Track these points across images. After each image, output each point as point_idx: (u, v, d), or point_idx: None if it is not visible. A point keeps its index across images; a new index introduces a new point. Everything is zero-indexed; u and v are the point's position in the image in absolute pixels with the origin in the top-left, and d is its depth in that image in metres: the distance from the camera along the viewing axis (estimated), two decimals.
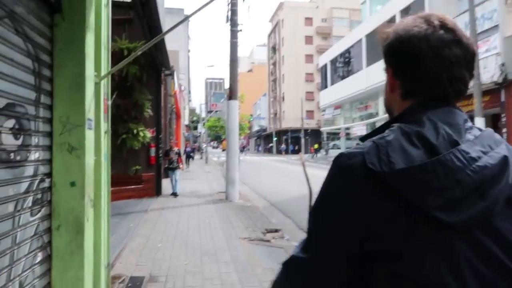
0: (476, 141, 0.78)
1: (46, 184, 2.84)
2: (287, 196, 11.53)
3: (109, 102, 3.82)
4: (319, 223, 0.81)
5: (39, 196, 2.73)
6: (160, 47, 10.33)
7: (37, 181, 2.69)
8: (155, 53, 10.64)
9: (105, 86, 3.67)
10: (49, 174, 2.89)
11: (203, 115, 51.05)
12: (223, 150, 65.11)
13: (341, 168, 0.79)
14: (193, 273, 4.55)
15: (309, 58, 60.36)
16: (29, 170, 2.58)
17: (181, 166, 11.47)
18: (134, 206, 9.21)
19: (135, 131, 10.71)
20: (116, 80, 10.57)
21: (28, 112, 2.56)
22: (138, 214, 8.14)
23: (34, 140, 2.66)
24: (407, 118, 0.84)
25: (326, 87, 43.10)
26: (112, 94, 11.18)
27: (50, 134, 2.92)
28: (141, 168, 10.99)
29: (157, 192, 11.19)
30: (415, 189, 0.72)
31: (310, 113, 58.99)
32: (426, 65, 0.83)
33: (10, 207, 2.33)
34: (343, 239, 0.77)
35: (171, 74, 14.87)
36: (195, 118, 66.97)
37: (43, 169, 2.80)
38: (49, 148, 2.91)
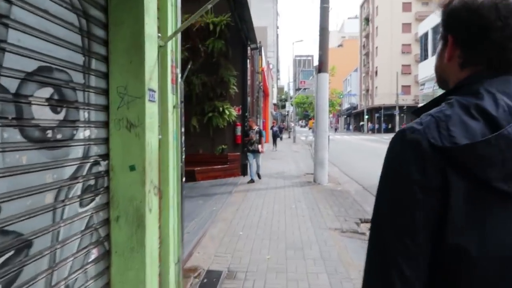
0: None
1: (101, 167, 2.38)
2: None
3: (179, 71, 3.25)
4: (392, 193, 0.81)
5: (91, 182, 2.27)
6: (246, 19, 9.75)
7: (88, 165, 2.23)
8: (241, 26, 10.10)
9: (173, 51, 3.10)
10: (106, 156, 2.43)
11: (291, 93, 50.23)
12: (310, 128, 64.11)
13: (406, 142, 0.79)
14: (276, 270, 3.93)
15: (406, 27, 55.22)
16: (76, 151, 2.12)
17: (261, 149, 9.75)
18: (219, 187, 8.96)
19: (221, 109, 10.43)
20: (202, 57, 10.34)
21: (73, 80, 2.07)
22: (222, 196, 7.81)
23: (83, 115, 2.18)
24: (464, 90, 0.83)
25: (426, 58, 39.05)
26: (193, 70, 10.88)
27: (106, 108, 2.44)
28: (227, 148, 10.73)
29: (243, 172, 10.86)
30: (479, 163, 0.73)
31: (406, 88, 54.46)
32: (494, 35, 0.81)
33: (49, 198, 1.88)
34: (418, 206, 0.76)
35: (258, 49, 14.31)
36: (283, 97, 66.57)
37: (97, 149, 2.33)
38: (106, 124, 2.44)
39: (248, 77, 16.27)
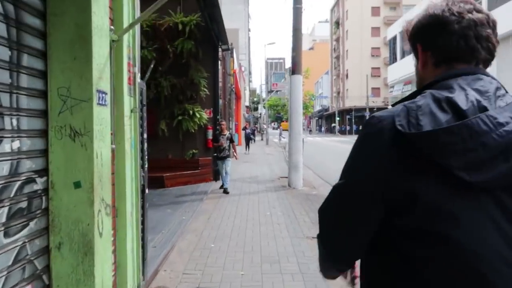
0: (507, 108, 0.81)
1: (37, 186, 1.98)
2: None
3: (137, 70, 2.86)
4: (350, 174, 0.90)
5: (23, 204, 1.86)
6: (217, 19, 9.38)
7: (18, 183, 1.82)
8: (211, 26, 9.72)
9: (131, 47, 2.72)
10: (44, 171, 2.02)
11: (264, 95, 50.12)
12: (284, 130, 64.42)
13: (372, 129, 0.85)
14: None
15: (375, 31, 56.38)
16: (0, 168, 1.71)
17: (234, 154, 9.15)
18: (189, 194, 8.53)
19: (191, 112, 9.99)
20: (171, 58, 9.88)
21: None
22: (193, 204, 7.40)
23: (10, 122, 1.77)
24: (438, 85, 0.88)
25: (395, 61, 39.82)
26: (161, 71, 10.33)
27: (44, 114, 2.03)
28: (198, 152, 10.30)
29: (215, 177, 10.45)
30: (440, 150, 0.77)
31: (376, 91, 55.57)
32: (452, 27, 0.89)
33: None
34: (370, 194, 0.84)
35: (229, 50, 13.96)
36: (255, 99, 66.43)
37: (30, 164, 1.92)
38: (43, 133, 2.02)
39: (220, 79, 15.89)
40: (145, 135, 3.60)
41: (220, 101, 16.83)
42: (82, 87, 2.04)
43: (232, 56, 18.43)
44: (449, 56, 0.91)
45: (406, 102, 0.85)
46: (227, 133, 8.85)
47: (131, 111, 2.67)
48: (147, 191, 3.60)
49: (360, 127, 1.06)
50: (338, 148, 25.67)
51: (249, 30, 61.18)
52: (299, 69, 9.34)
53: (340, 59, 63.37)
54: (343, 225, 0.90)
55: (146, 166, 3.65)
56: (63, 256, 2.04)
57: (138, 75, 2.92)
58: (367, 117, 0.89)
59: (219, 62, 12.26)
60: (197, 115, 10.03)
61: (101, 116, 2.15)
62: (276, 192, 8.74)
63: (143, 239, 3.40)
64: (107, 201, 2.22)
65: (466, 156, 0.76)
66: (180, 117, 10.00)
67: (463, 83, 0.85)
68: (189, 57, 10.01)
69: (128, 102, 2.62)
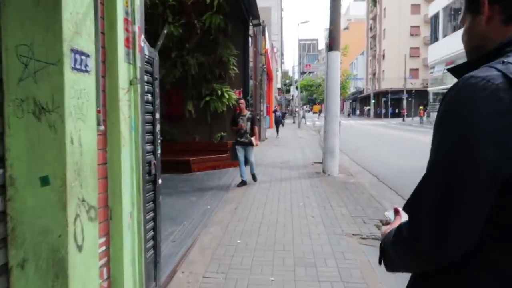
0: None
1: None
2: (395, 170, 9.34)
3: (137, 30, 2.24)
4: (465, 150, 0.73)
5: None
6: None
7: None
8: None
9: None
10: (0, 162, 1.46)
11: (296, 77, 48.86)
12: (314, 113, 62.58)
13: (485, 91, 0.71)
14: None
15: (415, 8, 53.28)
16: None
17: (255, 141, 7.47)
18: (217, 179, 8.01)
19: (219, 92, 9.40)
20: (199, 34, 9.27)
21: None
22: (219, 192, 6.86)
23: None
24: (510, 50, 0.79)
25: (436, 40, 37.49)
26: (188, 49, 9.67)
27: None
28: (226, 135, 9.73)
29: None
30: None
31: (414, 72, 52.91)
32: None
33: None
34: (497, 162, 0.72)
35: (261, 26, 13.14)
36: (287, 81, 65.15)
37: None
38: None
39: (251, 58, 15.18)
40: (157, 115, 3.02)
41: (251, 82, 16.18)
42: (49, 44, 1.45)
43: (264, 35, 17.60)
44: None
45: (493, 63, 0.76)
46: (247, 113, 7.56)
47: (130, 82, 2.07)
48: (159, 181, 3.04)
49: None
50: (374, 133, 24.47)
51: (281, 9, 59.55)
52: (336, 45, 8.47)
53: (376, 39, 60.65)
54: (464, 205, 0.74)
55: (159, 152, 3.08)
56: (28, 278, 1.50)
57: (142, 38, 2.29)
58: (462, 79, 0.74)
59: (250, 39, 11.54)
60: (226, 95, 9.44)
61: (79, 86, 1.55)
62: (309, 179, 8.06)
63: (155, 238, 2.86)
64: (91, 202, 1.65)
65: None
66: (208, 98, 9.45)
67: None
68: (218, 33, 9.36)
69: (126, 71, 2.02)
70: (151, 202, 2.87)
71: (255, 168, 7.86)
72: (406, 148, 14.57)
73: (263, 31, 17.39)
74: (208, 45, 9.45)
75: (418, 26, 53.59)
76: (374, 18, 62.53)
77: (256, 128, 7.65)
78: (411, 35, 53.94)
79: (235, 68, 9.56)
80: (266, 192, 6.83)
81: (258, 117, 16.70)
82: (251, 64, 15.88)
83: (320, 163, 10.28)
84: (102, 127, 1.75)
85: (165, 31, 3.13)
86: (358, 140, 18.64)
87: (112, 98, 1.88)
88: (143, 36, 2.26)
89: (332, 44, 8.46)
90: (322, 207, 5.78)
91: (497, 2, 0.83)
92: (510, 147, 0.71)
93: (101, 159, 1.81)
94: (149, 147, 2.79)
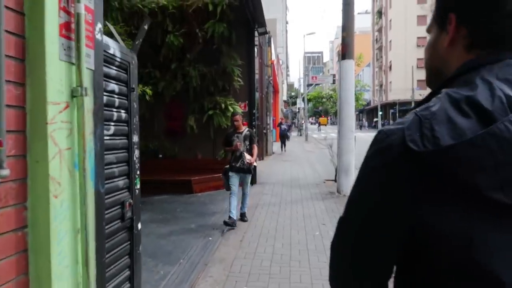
0: None
1: None
2: None
3: (83, 11, 1.50)
4: (359, 197, 0.72)
5: None
6: None
7: None
8: (247, 5, 8.35)
9: None
10: None
11: (302, 90, 48.27)
12: (319, 125, 61.42)
13: (379, 145, 0.69)
14: None
15: (421, 19, 52.76)
16: None
17: (252, 159, 5.83)
18: (220, 202, 7.23)
19: (223, 105, 8.70)
20: (200, 43, 8.62)
21: None
22: (223, 217, 6.09)
23: None
24: (459, 81, 0.71)
25: None
26: (190, 59, 9.21)
27: None
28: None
29: (252, 179, 9.11)
30: (465, 168, 0.60)
31: (422, 83, 52.03)
32: (508, 7, 0.69)
33: None
34: (383, 219, 0.68)
35: (267, 34, 12.49)
36: (293, 94, 64.65)
37: None
38: None
39: (256, 70, 14.54)
40: (135, 138, 2.29)
41: (257, 94, 15.52)
42: None
43: (269, 45, 16.99)
44: (488, 42, 0.71)
45: (418, 109, 0.68)
46: (244, 130, 5.92)
47: (72, 93, 1.33)
48: (139, 226, 2.29)
49: None
50: None
51: (286, 22, 59.45)
52: (350, 53, 7.76)
53: (382, 50, 60.19)
54: (360, 263, 0.72)
55: (138, 187, 2.34)
56: None
57: (99, 29, 1.55)
58: (377, 131, 0.71)
59: (255, 48, 10.89)
60: (230, 108, 8.72)
61: None
62: (323, 201, 7.25)
63: None
64: None
65: (499, 173, 0.59)
66: (211, 112, 8.73)
67: (488, 75, 0.67)
68: (221, 42, 8.70)
69: (64, 75, 1.29)
70: (127, 256, 2.11)
71: (247, 205, 6.03)
72: None
73: (269, 41, 16.79)
74: (211, 56, 8.79)
75: (425, 37, 52.93)
76: (379, 30, 62.17)
77: (256, 148, 5.99)
78: (418, 46, 53.33)
79: (239, 79, 8.87)
80: (276, 218, 6.04)
81: (264, 131, 15.99)
82: (256, 76, 15.24)
83: (332, 180, 9.48)
84: (6, 172, 1.01)
85: (145, 27, 2.43)
86: None
87: (35, 119, 1.15)
88: (100, 26, 1.53)
89: (345, 51, 7.74)
90: None
91: (466, 24, 0.72)
92: (397, 201, 0.66)
93: (12, 223, 1.07)
94: (121, 182, 2.05)
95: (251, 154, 5.86)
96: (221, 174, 6.09)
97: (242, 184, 5.91)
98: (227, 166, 5.86)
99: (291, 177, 10.38)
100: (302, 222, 5.78)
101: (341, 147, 7.83)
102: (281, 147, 18.70)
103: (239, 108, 8.95)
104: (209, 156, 9.01)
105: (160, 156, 8.86)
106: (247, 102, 9.24)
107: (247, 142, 5.86)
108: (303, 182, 9.55)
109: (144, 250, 4.41)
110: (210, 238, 4.95)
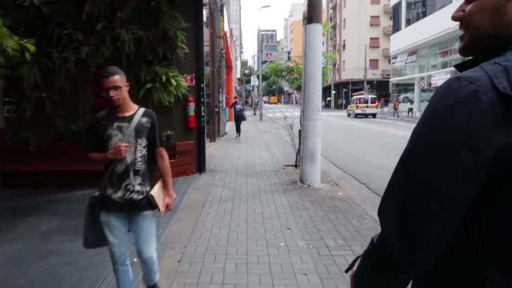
0: None
1: None
2: (386, 174, 7.57)
3: None
4: (439, 151, 0.71)
5: None
6: None
7: None
8: None
9: None
10: None
11: (256, 67, 46.81)
12: (271, 103, 60.53)
13: (462, 92, 0.70)
14: None
15: None
16: None
17: (162, 200, 2.58)
18: None
19: (164, 77, 7.12)
20: (135, 0, 6.92)
21: None
22: (163, 216, 4.68)
23: None
24: None
25: (398, 29, 36.80)
26: (121, 19, 7.52)
27: None
28: (174, 134, 7.51)
29: (199, 168, 7.74)
30: None
31: (374, 63, 52.67)
32: None
33: None
34: (472, 167, 0.69)
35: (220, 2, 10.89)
36: (247, 71, 63.01)
37: None
38: None
39: (207, 41, 12.90)
40: None
41: (208, 68, 13.91)
42: None
43: (222, 14, 15.32)
44: None
45: (498, 60, 0.72)
46: (136, 111, 2.53)
47: None
48: None
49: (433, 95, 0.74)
50: (341, 125, 23.02)
51: None
52: (318, 16, 6.47)
53: (336, 29, 59.91)
54: (439, 215, 0.71)
55: None
56: None
57: None
58: (448, 80, 0.72)
59: (205, 15, 9.31)
60: (173, 82, 7.18)
61: None
62: (285, 194, 6.06)
63: None
64: None
65: None
66: (149, 85, 7.13)
67: None
68: None
69: None
70: None
71: (156, 273, 2.81)
72: (382, 144, 13.01)
73: (221, 9, 15.12)
74: (148, 15, 7.13)
75: (378, 16, 53.27)
76: (334, 8, 61.66)
77: (166, 158, 2.63)
78: (371, 25, 53.53)
79: (184, 46, 7.30)
80: (228, 220, 4.74)
81: (216, 110, 14.49)
82: (207, 48, 13.61)
83: (293, 166, 8.36)
84: None
85: None
86: (327, 134, 16.93)
87: None
88: None
89: (312, 14, 6.44)
90: (314, 250, 3.78)
91: None
92: (485, 151, 0.68)
93: None
94: None
95: (163, 170, 2.60)
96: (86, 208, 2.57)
97: (137, 236, 2.61)
98: (97, 193, 2.54)
99: (246, 163, 9.11)
100: (261, 226, 4.53)
101: (306, 129, 6.62)
102: (237, 130, 15.09)
103: (185, 82, 7.43)
104: None
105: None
106: (194, 74, 7.72)
107: (142, 141, 2.48)
108: (260, 169, 8.32)
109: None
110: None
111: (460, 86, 0.69)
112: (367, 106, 30.87)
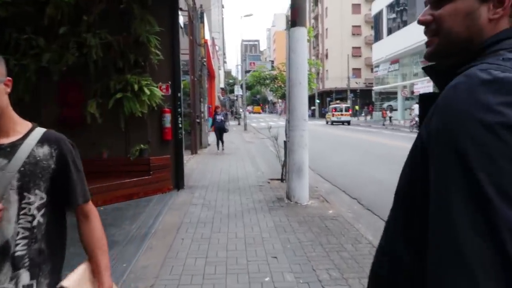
0: None
1: None
2: (376, 187, 7.11)
3: None
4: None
5: None
6: None
7: None
8: None
9: None
10: None
11: (240, 77, 46.40)
12: (254, 113, 60.30)
13: (505, 98, 0.57)
14: None
15: (356, 8, 53.50)
16: None
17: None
18: (128, 220, 5.15)
19: (136, 86, 6.50)
20: (103, 1, 6.34)
21: None
22: (130, 245, 4.04)
23: None
24: (498, 48, 0.69)
25: (380, 38, 37.01)
26: (88, 23, 6.16)
27: None
28: (148, 148, 6.86)
29: (177, 184, 7.10)
30: None
31: (356, 71, 53.06)
32: None
33: None
34: None
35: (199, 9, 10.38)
36: (231, 81, 62.67)
37: None
38: None
39: (187, 48, 12.34)
40: None
41: (188, 77, 13.33)
42: None
43: (202, 22, 14.80)
44: None
45: (509, 56, 0.65)
46: (22, 139, 1.27)
47: None
48: None
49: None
50: (327, 134, 22.65)
51: (222, 6, 56.87)
52: (302, 19, 5.99)
53: (319, 38, 60.27)
54: None
55: None
56: None
57: None
58: (468, 74, 0.62)
59: (183, 16, 8.77)
60: (147, 91, 6.56)
61: None
62: (271, 214, 5.47)
63: None
64: None
65: None
66: (119, 95, 6.49)
67: None
68: (131, 0, 6.47)
69: None
70: None
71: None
72: (370, 154, 12.59)
73: (201, 16, 14.61)
74: (118, 19, 6.53)
75: (359, 26, 53.82)
76: (316, 18, 62.13)
77: (97, 226, 1.43)
78: (353, 34, 54.00)
79: (158, 52, 6.71)
80: (206, 249, 4.12)
81: (198, 120, 13.85)
82: (187, 57, 13.05)
83: (279, 179, 7.80)
84: None
85: None
86: (313, 143, 16.48)
87: None
88: None
89: (296, 17, 5.95)
90: (304, 286, 3.20)
91: None
92: None
93: None
94: None
95: (86, 249, 1.40)
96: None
97: None
98: None
99: (229, 177, 8.50)
100: (243, 255, 3.92)
101: (291, 141, 6.08)
102: (217, 144, 13.59)
103: (159, 91, 6.82)
104: (119, 154, 6.79)
105: None
106: (170, 83, 7.12)
107: (34, 195, 1.27)
108: (243, 184, 7.72)
109: None
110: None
111: (494, 76, 0.60)
112: (341, 114, 33.76)
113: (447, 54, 0.77)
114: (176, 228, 4.82)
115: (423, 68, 0.84)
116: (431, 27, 0.78)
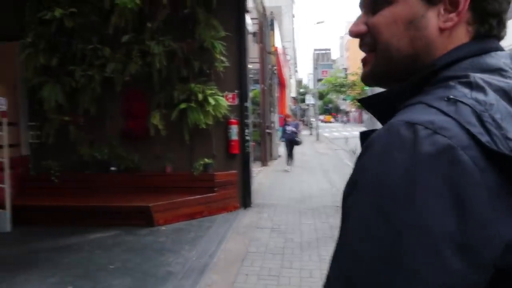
0: None
1: None
2: None
3: None
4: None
5: None
6: None
7: None
8: None
9: None
10: None
11: (311, 85, 45.53)
12: (326, 122, 58.96)
13: (431, 150, 0.42)
14: None
15: None
16: None
17: None
18: (188, 245, 4.56)
19: (200, 95, 6.02)
20: (167, 7, 5.98)
21: None
22: (189, 278, 3.40)
23: None
24: (472, 65, 0.51)
25: None
26: (152, 30, 5.20)
27: None
28: (213, 162, 6.31)
29: (244, 202, 6.44)
30: None
31: None
32: None
33: None
34: (462, 273, 0.41)
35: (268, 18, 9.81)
36: (302, 90, 61.96)
37: None
38: None
39: (256, 57, 11.85)
40: None
41: (258, 86, 12.82)
42: None
43: (272, 29, 14.26)
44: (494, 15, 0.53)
45: (456, 95, 0.46)
46: None
47: None
48: None
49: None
50: None
51: (293, 16, 56.60)
52: None
53: None
54: None
55: None
56: None
57: None
58: (387, 129, 0.45)
59: (251, 20, 8.22)
60: (211, 101, 6.04)
61: None
62: None
63: None
64: None
65: None
66: (183, 105, 6.06)
67: (501, 59, 0.52)
68: (195, 5, 6.03)
69: None
70: None
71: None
72: None
73: (272, 24, 14.08)
74: (182, 25, 6.13)
75: None
76: None
77: None
78: None
79: (224, 59, 6.18)
80: (277, 280, 3.34)
81: (268, 131, 13.25)
82: (257, 66, 12.56)
83: None
84: None
85: None
86: None
87: None
88: None
89: None
90: None
91: (476, 7, 0.53)
92: (478, 247, 0.41)
93: None
94: None
95: None
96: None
97: None
98: None
99: (301, 194, 7.66)
100: None
101: None
102: (287, 159, 11.60)
103: (225, 100, 6.27)
104: (182, 168, 6.33)
105: (113, 169, 6.22)
106: (236, 92, 6.53)
107: None
108: (317, 203, 6.83)
109: None
110: None
111: (418, 138, 0.42)
112: None
113: (386, 77, 0.58)
114: (241, 259, 4.11)
115: (359, 100, 0.62)
116: (366, 40, 0.58)
